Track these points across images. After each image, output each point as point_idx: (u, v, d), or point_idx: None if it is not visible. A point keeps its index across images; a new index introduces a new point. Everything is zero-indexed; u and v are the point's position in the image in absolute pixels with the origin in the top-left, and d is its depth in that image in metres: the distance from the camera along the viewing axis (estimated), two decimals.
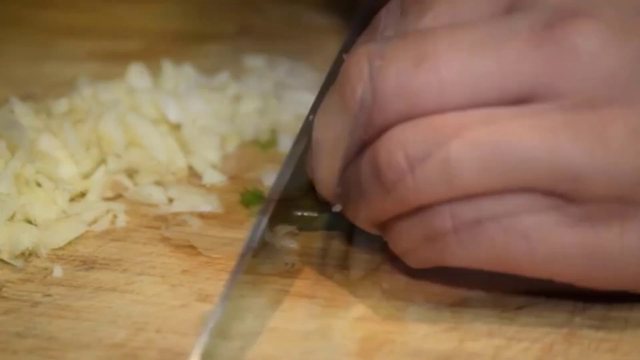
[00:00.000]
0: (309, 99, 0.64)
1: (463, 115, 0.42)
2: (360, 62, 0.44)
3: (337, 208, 0.48)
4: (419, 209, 0.43)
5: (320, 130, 0.46)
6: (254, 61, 0.69)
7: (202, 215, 0.54)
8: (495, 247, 0.43)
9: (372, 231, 0.47)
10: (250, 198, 0.54)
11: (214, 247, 0.51)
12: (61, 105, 0.58)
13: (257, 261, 0.50)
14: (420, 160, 0.42)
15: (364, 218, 0.46)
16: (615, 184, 0.41)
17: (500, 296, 0.46)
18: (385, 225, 0.46)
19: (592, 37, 0.42)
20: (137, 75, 0.61)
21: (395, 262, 0.49)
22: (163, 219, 0.54)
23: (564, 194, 0.42)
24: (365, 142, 0.44)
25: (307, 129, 0.48)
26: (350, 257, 0.50)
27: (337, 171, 0.46)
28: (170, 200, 0.55)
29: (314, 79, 0.67)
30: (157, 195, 0.55)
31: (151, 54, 0.67)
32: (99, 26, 0.77)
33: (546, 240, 0.42)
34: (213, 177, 0.57)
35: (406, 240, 0.45)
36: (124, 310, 0.46)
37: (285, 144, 0.60)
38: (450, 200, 0.43)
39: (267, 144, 0.59)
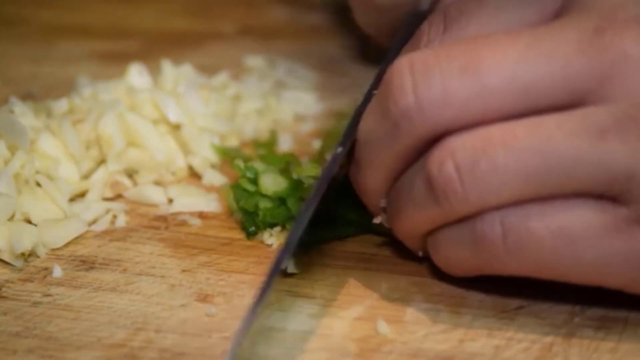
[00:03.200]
0: (309, 98, 0.64)
1: (508, 124, 0.42)
2: (402, 72, 0.43)
3: (377, 219, 0.48)
4: (468, 217, 0.43)
5: (364, 142, 0.46)
6: (254, 61, 0.69)
7: (202, 215, 0.54)
8: (543, 254, 0.42)
9: (413, 244, 0.47)
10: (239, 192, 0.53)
11: (213, 247, 0.51)
12: (61, 105, 0.58)
13: (254, 261, 0.50)
14: (468, 169, 0.42)
15: (409, 229, 0.46)
16: None
17: (500, 296, 0.46)
18: (430, 235, 0.45)
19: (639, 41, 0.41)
20: (136, 75, 0.61)
21: (395, 262, 0.49)
22: (163, 219, 0.54)
23: (615, 196, 0.41)
24: (412, 152, 0.44)
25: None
26: (349, 257, 0.50)
27: (382, 182, 0.46)
28: (170, 200, 0.55)
29: (313, 79, 0.67)
30: (157, 195, 0.55)
31: (151, 54, 0.67)
32: (99, 26, 0.77)
33: (595, 246, 0.42)
34: (213, 177, 0.57)
35: (452, 249, 0.44)
36: (123, 310, 0.46)
37: (285, 143, 0.60)
38: (499, 207, 0.42)
39: (267, 144, 0.59)
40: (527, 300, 0.46)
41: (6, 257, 0.50)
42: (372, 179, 0.46)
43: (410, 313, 0.46)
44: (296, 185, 0.52)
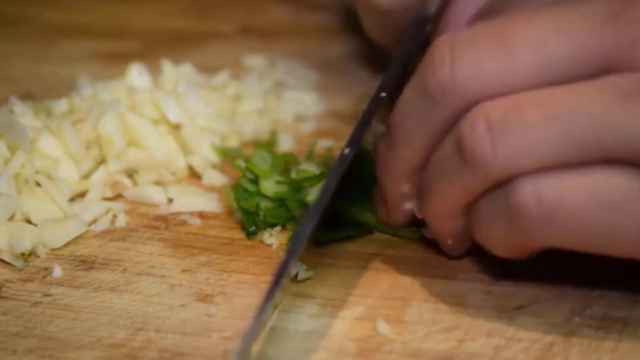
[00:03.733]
0: (309, 98, 0.64)
1: (539, 91, 0.42)
2: (442, 48, 0.44)
3: (407, 205, 0.48)
4: (500, 185, 0.43)
5: (399, 120, 0.46)
6: (254, 61, 0.69)
7: (202, 215, 0.54)
8: (579, 222, 0.42)
9: (446, 227, 0.46)
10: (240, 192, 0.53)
11: (213, 247, 0.51)
12: (61, 105, 0.58)
13: (254, 261, 0.50)
14: (500, 128, 0.42)
15: (442, 208, 0.46)
16: None
17: (500, 296, 0.46)
18: (466, 214, 0.45)
19: None
20: (136, 75, 0.61)
21: (395, 262, 0.49)
22: (163, 219, 0.54)
23: None
24: (446, 127, 0.44)
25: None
26: (349, 257, 0.50)
27: (415, 159, 0.46)
28: (170, 200, 0.55)
29: (313, 79, 0.67)
30: (157, 195, 0.55)
31: (151, 54, 0.67)
32: (99, 26, 0.77)
33: (633, 212, 0.41)
34: (213, 177, 0.57)
35: (489, 224, 0.44)
36: (123, 310, 0.46)
37: (285, 143, 0.60)
38: (532, 174, 0.42)
39: (267, 144, 0.59)
40: (527, 300, 0.46)
41: (6, 257, 0.50)
42: (403, 157, 0.46)
43: (410, 313, 0.46)
44: (297, 187, 0.52)
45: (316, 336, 0.45)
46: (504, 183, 0.43)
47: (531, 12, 0.44)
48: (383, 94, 0.49)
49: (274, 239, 0.51)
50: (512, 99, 0.43)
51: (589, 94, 0.41)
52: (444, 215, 0.46)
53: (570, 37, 0.43)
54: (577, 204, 0.42)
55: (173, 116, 0.58)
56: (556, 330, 0.45)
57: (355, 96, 0.65)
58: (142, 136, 0.56)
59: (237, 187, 0.53)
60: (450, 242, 0.47)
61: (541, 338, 0.44)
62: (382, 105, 0.49)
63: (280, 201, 0.52)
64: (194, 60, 0.65)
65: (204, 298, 0.47)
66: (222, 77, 0.64)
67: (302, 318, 0.46)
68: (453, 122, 0.44)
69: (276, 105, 0.63)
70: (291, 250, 0.44)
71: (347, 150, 0.47)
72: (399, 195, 0.48)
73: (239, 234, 0.52)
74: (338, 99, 0.65)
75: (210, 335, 0.45)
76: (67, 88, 0.62)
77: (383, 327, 0.45)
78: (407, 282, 0.48)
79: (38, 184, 0.53)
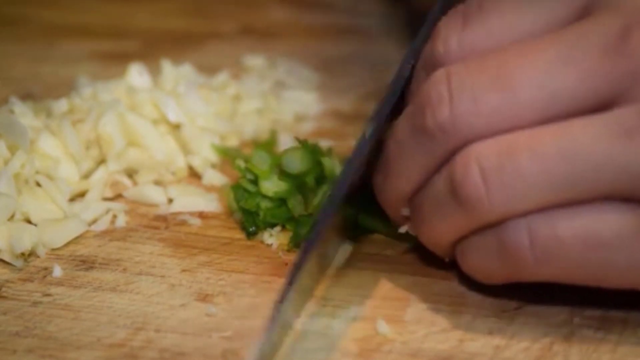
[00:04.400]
0: (309, 98, 0.64)
1: (534, 130, 0.42)
2: (439, 85, 0.43)
3: (403, 229, 0.48)
4: (494, 224, 0.43)
5: (395, 151, 0.46)
6: (254, 61, 0.69)
7: (202, 215, 0.54)
8: (573, 260, 0.42)
9: (440, 252, 0.47)
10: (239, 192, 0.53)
11: (213, 247, 0.51)
12: (61, 105, 0.58)
13: (254, 261, 0.50)
14: (494, 174, 0.42)
15: (436, 238, 0.46)
16: None
17: (500, 296, 0.46)
18: (457, 243, 0.45)
19: None
20: (136, 75, 0.61)
21: (395, 262, 0.49)
22: (163, 219, 0.54)
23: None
24: (441, 162, 0.44)
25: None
26: (349, 257, 0.50)
27: (408, 191, 0.46)
28: (170, 200, 0.55)
29: (313, 79, 0.67)
30: (157, 195, 0.55)
31: (151, 54, 0.67)
32: (99, 26, 0.77)
33: (627, 250, 0.42)
34: (213, 177, 0.57)
35: (479, 258, 0.44)
36: (123, 310, 0.46)
37: (285, 143, 0.60)
38: (526, 214, 0.42)
39: (266, 144, 0.59)
40: (527, 300, 0.46)
41: (6, 257, 0.50)
42: (397, 188, 0.46)
43: (410, 313, 0.46)
44: (297, 186, 0.52)
45: (316, 336, 0.45)
46: (497, 222, 0.43)
47: (529, 44, 0.43)
48: (411, 63, 0.48)
49: (274, 239, 0.51)
50: (505, 142, 0.42)
51: (586, 135, 0.41)
52: (437, 244, 0.46)
53: (571, 72, 0.42)
54: (571, 243, 0.42)
55: (173, 116, 0.58)
56: (556, 330, 0.45)
57: (356, 96, 0.65)
58: (142, 136, 0.56)
59: (236, 188, 0.53)
60: (447, 260, 0.47)
61: (541, 338, 0.44)
62: (409, 75, 0.48)
63: (280, 201, 0.52)
64: (194, 60, 0.65)
65: (204, 298, 0.47)
66: (222, 77, 0.64)
67: (302, 318, 0.46)
68: (448, 159, 0.44)
69: (276, 105, 0.63)
70: (310, 243, 0.44)
71: (369, 132, 0.47)
72: (397, 216, 0.48)
73: (239, 234, 0.52)
74: (338, 99, 0.65)
75: (210, 335, 0.45)
76: (67, 88, 0.62)
77: (383, 327, 0.45)
78: (407, 282, 0.48)
79: (38, 184, 0.53)
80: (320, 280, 0.46)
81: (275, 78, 0.67)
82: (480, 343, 0.44)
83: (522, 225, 0.42)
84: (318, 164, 0.52)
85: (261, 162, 0.54)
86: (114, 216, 0.53)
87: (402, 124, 0.46)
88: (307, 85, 0.67)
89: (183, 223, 0.53)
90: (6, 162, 0.53)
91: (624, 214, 0.41)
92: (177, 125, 0.58)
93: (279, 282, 0.48)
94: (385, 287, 0.48)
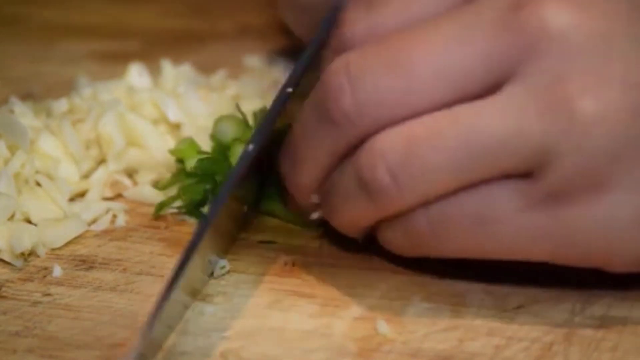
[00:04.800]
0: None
1: (432, 118, 0.43)
2: (339, 74, 0.44)
3: (315, 216, 0.48)
4: (398, 214, 0.45)
5: (299, 139, 0.47)
6: (253, 61, 0.69)
7: None
8: (464, 238, 0.44)
9: (353, 235, 0.48)
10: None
11: None
12: (61, 105, 0.58)
13: (254, 261, 0.50)
14: (400, 169, 0.43)
15: (347, 224, 0.47)
16: (583, 159, 0.41)
17: (500, 296, 0.46)
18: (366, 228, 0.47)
19: (560, 14, 0.42)
20: (136, 75, 0.61)
21: (395, 262, 0.49)
22: (163, 218, 0.54)
23: (529, 171, 0.42)
24: (347, 149, 0.45)
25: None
26: (349, 257, 0.50)
27: (316, 178, 0.47)
28: None
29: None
30: (157, 195, 0.55)
31: (151, 54, 0.67)
32: (99, 26, 0.77)
33: (510, 225, 0.43)
34: None
35: (389, 236, 0.46)
36: (123, 310, 0.46)
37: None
38: (426, 203, 0.44)
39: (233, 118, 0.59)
40: (527, 299, 0.46)
41: (6, 257, 0.50)
42: (306, 176, 0.47)
43: (410, 313, 0.46)
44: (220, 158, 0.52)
45: (316, 336, 0.45)
46: (406, 211, 0.44)
47: (424, 27, 0.43)
48: (289, 89, 0.49)
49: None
50: (406, 135, 0.43)
51: (479, 119, 0.42)
52: (348, 229, 0.47)
53: (467, 52, 0.42)
54: (460, 222, 0.43)
55: (173, 116, 0.58)
56: (556, 330, 0.45)
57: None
58: (142, 136, 0.56)
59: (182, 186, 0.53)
60: (360, 241, 0.48)
61: (541, 338, 0.44)
62: (289, 101, 0.49)
63: (202, 177, 0.52)
64: (194, 60, 0.65)
65: (204, 298, 0.47)
66: (220, 76, 0.64)
67: (302, 318, 0.46)
68: (354, 146, 0.45)
69: None
70: (193, 242, 0.44)
71: (250, 147, 0.48)
72: (306, 202, 0.48)
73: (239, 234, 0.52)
74: None
75: (210, 335, 0.45)
76: (67, 88, 0.63)
77: (383, 327, 0.45)
78: (407, 282, 0.48)
79: (38, 184, 0.53)
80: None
81: (273, 77, 0.67)
82: (480, 343, 0.44)
83: (422, 213, 0.44)
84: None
85: (225, 134, 0.54)
86: (114, 216, 0.54)
87: (306, 111, 0.46)
88: None
89: (183, 223, 0.53)
90: (6, 162, 0.53)
91: (508, 192, 0.43)
92: (177, 125, 0.58)
93: (279, 282, 0.48)
94: (385, 287, 0.48)
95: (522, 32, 0.42)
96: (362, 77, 0.43)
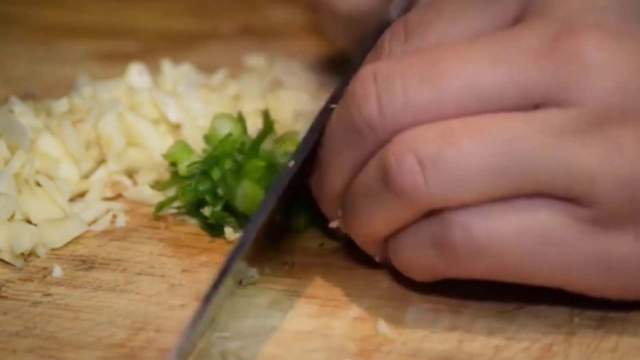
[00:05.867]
0: (306, 97, 0.64)
1: (471, 117, 0.42)
2: (366, 81, 0.43)
3: (334, 224, 0.48)
4: (427, 216, 0.43)
5: (327, 149, 0.46)
6: (254, 61, 0.69)
7: None
8: (506, 256, 0.42)
9: (371, 249, 0.47)
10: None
11: (213, 247, 0.51)
12: (61, 105, 0.58)
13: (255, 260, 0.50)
14: (431, 160, 0.42)
15: (367, 232, 0.46)
16: (628, 189, 0.41)
17: (500, 296, 0.46)
18: (388, 238, 0.45)
19: (599, 47, 0.42)
20: (136, 75, 0.61)
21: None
22: (163, 219, 0.54)
23: (576, 198, 0.41)
24: (371, 157, 0.44)
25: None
26: (349, 257, 0.50)
27: (341, 188, 0.46)
28: None
29: (311, 78, 0.67)
30: (157, 195, 0.55)
31: (151, 54, 0.67)
32: (99, 26, 0.77)
33: (559, 247, 0.42)
34: None
35: (412, 252, 0.44)
36: (123, 310, 0.46)
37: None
38: (461, 208, 0.42)
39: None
40: (527, 300, 0.46)
41: (6, 257, 0.50)
42: (332, 185, 0.46)
43: (410, 313, 0.46)
44: (214, 161, 0.52)
45: (316, 336, 0.45)
46: (431, 214, 0.43)
47: (460, 43, 0.43)
48: (333, 106, 0.48)
49: (237, 235, 0.51)
50: (441, 131, 0.42)
51: (524, 127, 0.41)
52: (368, 240, 0.46)
53: (500, 71, 0.42)
54: (505, 238, 0.42)
55: (173, 116, 0.58)
56: (556, 330, 0.45)
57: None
58: (142, 136, 0.56)
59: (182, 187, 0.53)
60: (377, 259, 0.47)
61: (541, 338, 0.44)
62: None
63: (198, 177, 0.52)
64: (194, 60, 0.65)
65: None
66: (220, 75, 0.64)
67: (302, 318, 0.46)
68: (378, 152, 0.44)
69: (275, 104, 0.63)
70: (234, 253, 0.44)
71: (291, 163, 0.47)
72: (332, 215, 0.48)
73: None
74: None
75: (210, 335, 0.45)
76: (67, 88, 0.63)
77: (383, 327, 0.45)
78: (407, 282, 0.48)
79: (38, 184, 0.53)
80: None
81: (273, 77, 0.67)
82: (480, 343, 0.44)
83: (456, 219, 0.42)
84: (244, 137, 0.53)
85: (222, 128, 0.54)
86: (114, 216, 0.54)
87: (333, 123, 0.46)
88: (304, 84, 0.67)
89: (183, 223, 0.53)
90: (6, 162, 0.53)
91: (558, 212, 0.42)
92: (177, 125, 0.58)
93: (279, 282, 0.48)
94: (385, 287, 0.48)
95: (560, 61, 0.42)
96: (389, 86, 0.43)
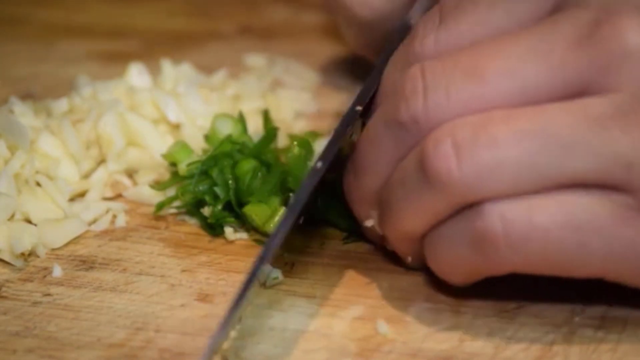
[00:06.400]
0: (306, 97, 0.64)
1: (515, 109, 0.42)
2: (414, 79, 0.43)
3: (369, 222, 0.47)
4: (465, 209, 0.43)
5: (367, 147, 0.46)
6: (254, 61, 0.69)
7: None
8: (548, 247, 0.42)
9: (405, 247, 0.46)
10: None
11: (213, 247, 0.51)
12: (61, 105, 0.58)
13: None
14: (466, 145, 0.41)
15: (402, 228, 0.45)
16: None
17: (500, 296, 0.46)
18: (425, 238, 0.45)
19: (639, 31, 0.41)
20: (136, 74, 0.61)
21: (395, 262, 0.49)
22: (163, 219, 0.54)
23: (616, 185, 0.41)
24: (411, 151, 0.44)
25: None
26: (350, 257, 0.50)
27: (377, 187, 0.46)
28: None
29: (311, 78, 0.67)
30: (156, 195, 0.55)
31: (151, 54, 0.67)
32: (99, 26, 0.77)
33: (602, 235, 0.41)
34: None
35: (449, 249, 0.44)
36: (123, 310, 0.46)
37: (283, 142, 0.59)
38: (499, 199, 0.42)
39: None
40: (527, 299, 0.46)
41: (6, 257, 0.50)
42: (370, 182, 0.46)
43: (410, 313, 0.46)
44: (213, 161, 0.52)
45: (316, 336, 0.45)
46: (467, 208, 0.42)
47: (501, 39, 0.43)
48: (359, 108, 0.48)
49: (237, 235, 0.51)
50: (480, 117, 0.42)
51: (561, 116, 0.41)
52: (403, 238, 0.46)
53: (542, 63, 0.42)
54: (547, 229, 0.41)
55: (173, 116, 0.58)
56: (556, 330, 0.45)
57: (353, 96, 0.65)
58: (142, 136, 0.56)
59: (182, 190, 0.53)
60: (409, 259, 0.47)
61: (541, 338, 0.44)
62: (357, 119, 0.48)
63: (197, 177, 0.52)
64: (194, 60, 0.65)
65: (204, 298, 0.47)
66: (220, 75, 0.64)
67: (302, 318, 0.46)
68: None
69: (275, 104, 0.63)
70: (263, 256, 0.44)
71: (319, 164, 0.46)
72: (365, 216, 0.48)
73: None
74: (336, 98, 0.65)
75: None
76: (67, 88, 0.63)
77: (383, 327, 0.45)
78: (407, 282, 0.48)
79: (38, 184, 0.53)
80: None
81: (273, 77, 0.67)
82: (480, 343, 0.44)
83: (495, 211, 0.42)
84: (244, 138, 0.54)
85: (222, 128, 0.54)
86: (114, 216, 0.54)
87: (374, 122, 0.46)
88: (304, 83, 0.67)
89: (183, 223, 0.53)
90: (6, 162, 0.53)
91: (600, 200, 0.41)
92: (177, 125, 0.58)
93: (279, 282, 0.48)
94: (385, 287, 0.48)
95: (600, 49, 0.42)
96: (436, 83, 0.43)
